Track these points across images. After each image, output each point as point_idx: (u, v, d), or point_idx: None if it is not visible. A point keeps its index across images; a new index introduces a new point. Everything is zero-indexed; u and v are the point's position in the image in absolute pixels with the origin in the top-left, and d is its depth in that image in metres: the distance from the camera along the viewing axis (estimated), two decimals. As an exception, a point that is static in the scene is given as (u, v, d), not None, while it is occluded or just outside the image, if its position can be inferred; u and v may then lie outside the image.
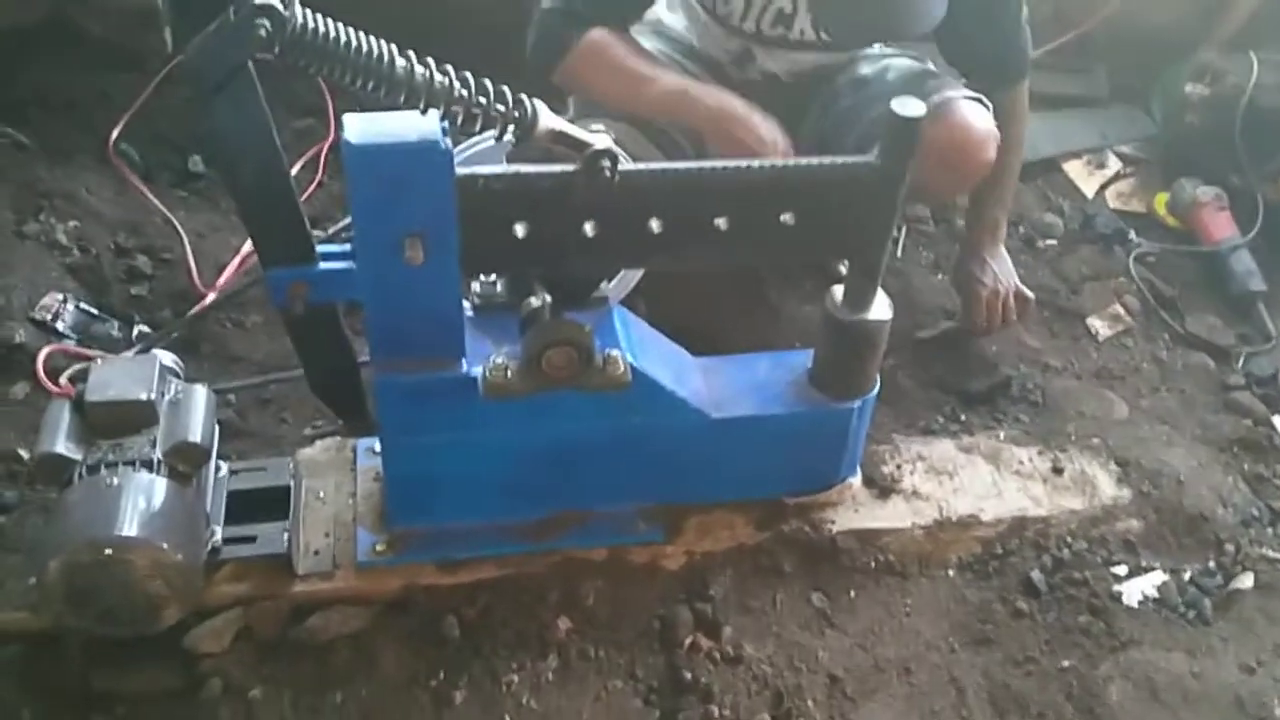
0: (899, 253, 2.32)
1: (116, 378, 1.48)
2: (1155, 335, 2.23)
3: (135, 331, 1.94)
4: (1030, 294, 2.11)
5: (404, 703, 1.52)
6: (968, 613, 1.70)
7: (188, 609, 1.46)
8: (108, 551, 1.35)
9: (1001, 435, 1.93)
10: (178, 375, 1.58)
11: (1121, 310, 2.25)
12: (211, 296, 1.98)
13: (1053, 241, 2.42)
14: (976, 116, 1.87)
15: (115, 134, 2.25)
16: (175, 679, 1.50)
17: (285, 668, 1.54)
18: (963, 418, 1.98)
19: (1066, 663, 1.64)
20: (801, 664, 1.60)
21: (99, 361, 1.53)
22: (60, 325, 1.89)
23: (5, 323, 1.84)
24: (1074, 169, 2.60)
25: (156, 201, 2.15)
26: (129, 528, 1.36)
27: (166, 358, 1.59)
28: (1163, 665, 1.64)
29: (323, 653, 1.56)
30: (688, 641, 1.61)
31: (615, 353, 1.48)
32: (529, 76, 1.88)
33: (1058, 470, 1.86)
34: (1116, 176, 2.60)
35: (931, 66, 2.01)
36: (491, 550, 1.64)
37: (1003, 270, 2.09)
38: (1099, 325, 2.22)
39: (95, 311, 1.94)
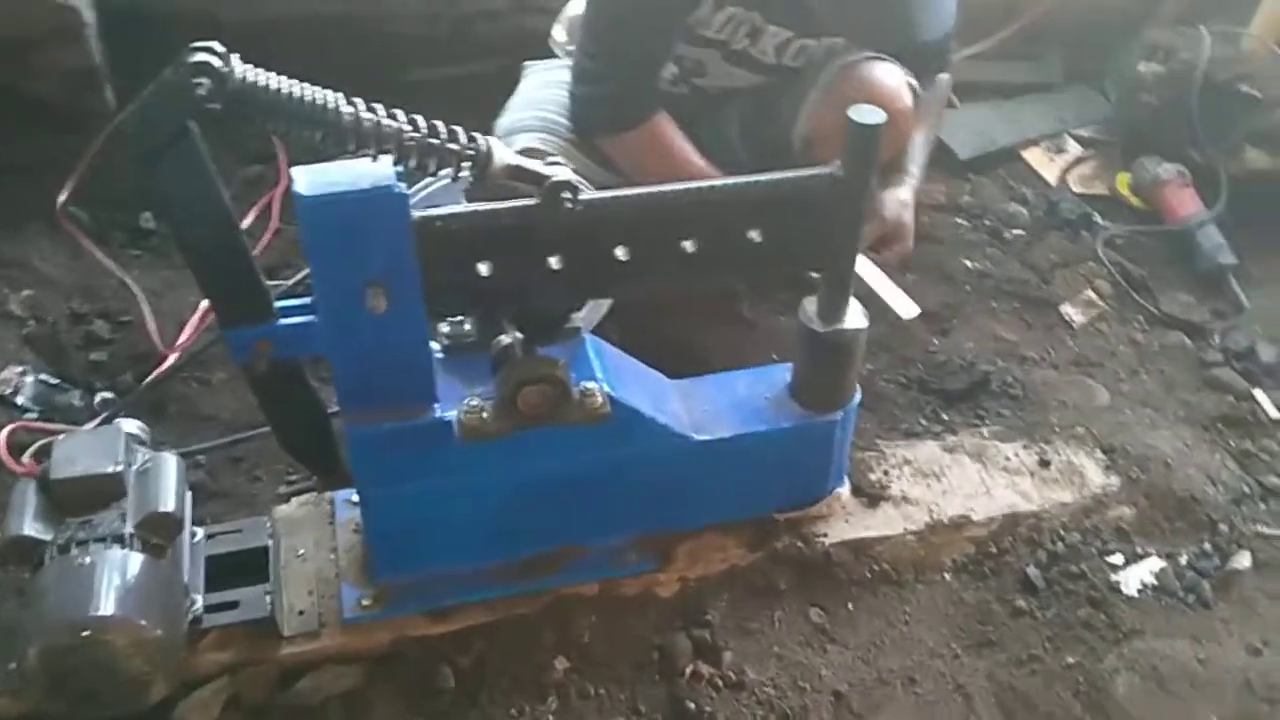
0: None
1: (81, 452, 1.43)
2: (1130, 318, 2.22)
3: (98, 399, 1.89)
4: (909, 244, 2.00)
5: (403, 759, 1.49)
6: (967, 615, 1.68)
7: (173, 684, 1.42)
8: (85, 633, 1.30)
9: (985, 432, 1.91)
10: (143, 443, 1.54)
11: (1094, 295, 2.24)
12: (174, 357, 1.93)
13: (1019, 231, 2.42)
14: (885, 71, 1.89)
15: (63, 197, 2.20)
16: (166, 755, 1.46)
17: (278, 734, 1.50)
18: (945, 417, 1.96)
19: (1071, 659, 1.62)
20: (805, 684, 1.57)
21: (62, 437, 1.49)
22: (20, 399, 1.84)
23: (-36, 401, 1.80)
24: (1034, 156, 2.60)
25: (110, 263, 2.10)
26: (105, 607, 1.31)
27: (131, 425, 1.55)
28: (1168, 654, 1.63)
29: (315, 715, 1.51)
30: (688, 670, 1.58)
31: (592, 385, 1.45)
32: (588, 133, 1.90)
33: (1045, 463, 1.85)
34: (1077, 161, 2.60)
35: None
36: (480, 595, 1.60)
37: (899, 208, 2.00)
38: (1073, 312, 2.21)
39: (55, 381, 1.89)
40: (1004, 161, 2.59)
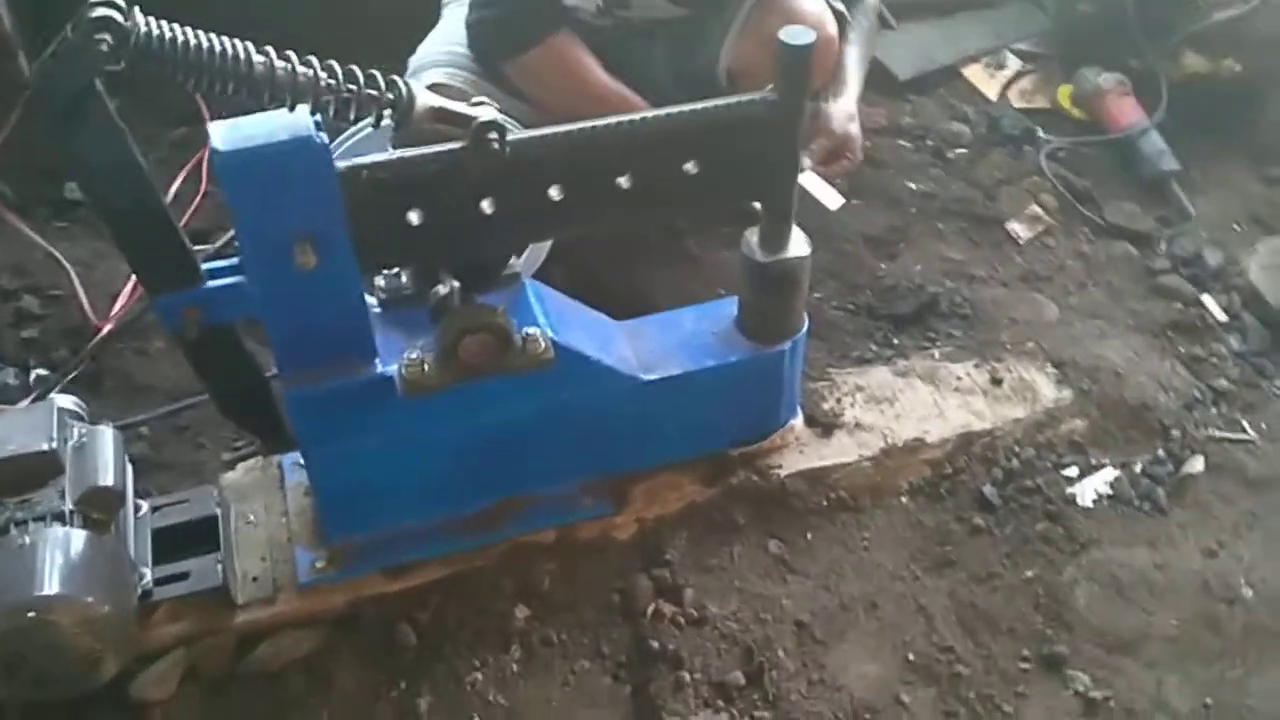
0: (811, 182, 2.28)
1: (13, 431, 1.39)
2: (1076, 231, 2.22)
3: (33, 377, 1.84)
4: (859, 156, 2.00)
5: (367, 719, 1.47)
6: (926, 537, 1.68)
7: (125, 660, 1.39)
8: (30, 615, 1.27)
9: (936, 354, 1.91)
10: (81, 417, 1.50)
11: (1039, 210, 2.23)
12: (108, 328, 1.88)
13: (962, 150, 2.40)
14: None
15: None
16: (125, 732, 1.44)
17: (238, 703, 1.48)
18: (895, 342, 1.96)
19: (1030, 573, 1.63)
20: (767, 615, 1.58)
21: (-10, 418, 1.45)
22: (-48, 381, 1.80)
23: (-108, 386, 1.74)
24: (974, 73, 2.57)
25: (36, 237, 2.04)
26: (49, 586, 1.28)
27: (66, 401, 1.51)
28: (1125, 561, 1.64)
29: (276, 682, 1.49)
30: (650, 610, 1.57)
31: (534, 331, 1.43)
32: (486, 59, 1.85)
33: (996, 381, 1.85)
34: (1017, 75, 2.58)
35: None
36: (436, 549, 1.58)
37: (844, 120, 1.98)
38: (1019, 228, 2.20)
39: (-12, 361, 1.84)
40: (944, 81, 2.57)
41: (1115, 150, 2.39)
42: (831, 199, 1.96)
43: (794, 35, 1.31)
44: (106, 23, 1.07)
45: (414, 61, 1.93)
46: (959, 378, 1.85)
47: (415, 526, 1.59)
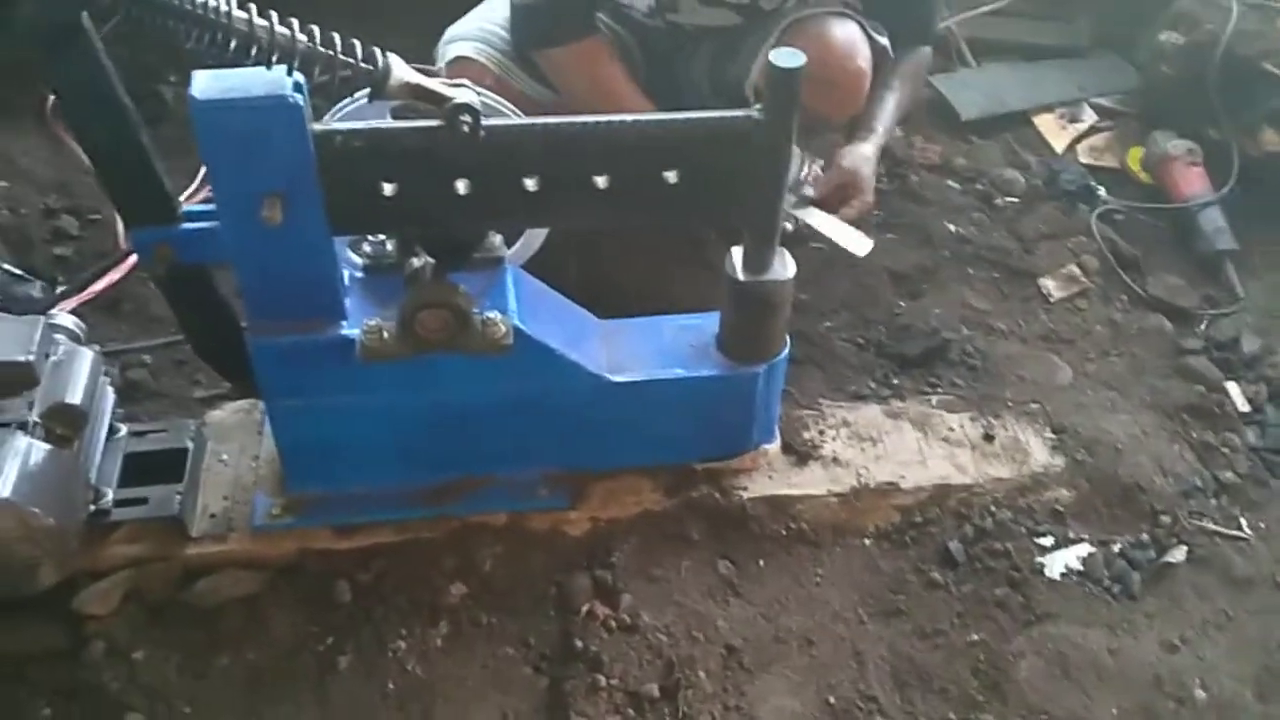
0: (850, 211, 2.25)
1: (-3, 339, 1.47)
2: (1112, 297, 2.14)
3: (58, 293, 1.93)
4: (869, 198, 1.96)
5: (289, 667, 1.50)
6: (880, 583, 1.65)
7: (65, 572, 1.45)
8: (-25, 513, 1.35)
9: (934, 400, 1.87)
10: (78, 338, 1.57)
11: (1078, 271, 2.16)
12: (133, 258, 1.96)
13: (1013, 199, 2.33)
14: (840, 28, 1.86)
15: (54, 98, 2.23)
16: (60, 640, 1.49)
17: (173, 631, 1.53)
18: (895, 382, 1.92)
19: (977, 636, 1.58)
20: (699, 633, 1.56)
21: (-17, 324, 1.52)
22: (-17, 286, 1.89)
23: (-75, 285, 1.84)
24: (1045, 123, 2.50)
25: (93, 169, 2.12)
26: (-1, 490, 1.35)
27: (67, 320, 1.58)
28: (1079, 641, 1.58)
29: (212, 616, 1.54)
30: (584, 609, 1.57)
31: (495, 315, 1.44)
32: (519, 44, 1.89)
33: (989, 437, 1.80)
34: (1091, 130, 2.50)
35: None
36: (387, 515, 1.61)
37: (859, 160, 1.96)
38: (1052, 286, 2.13)
39: (18, 272, 1.93)
40: (1012, 126, 2.50)
41: (1173, 220, 2.30)
42: (859, 244, 1.92)
43: (784, 58, 1.30)
44: (92, -38, 1.12)
45: (450, 31, 1.96)
46: (951, 428, 1.81)
47: (372, 490, 1.62)
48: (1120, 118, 2.54)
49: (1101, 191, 2.34)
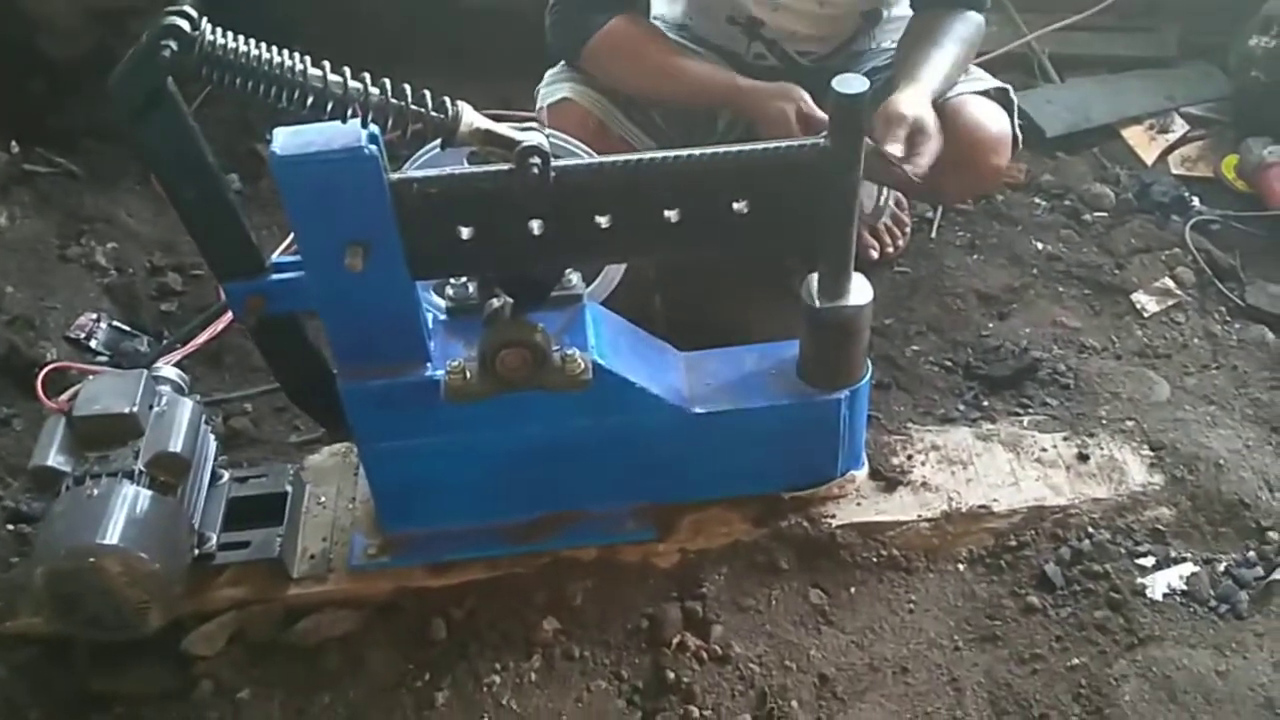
0: (933, 233, 2.23)
1: (104, 392, 1.54)
2: (1210, 309, 2.08)
3: (163, 345, 2.01)
4: (938, 141, 1.70)
5: (388, 704, 1.54)
6: (975, 609, 1.62)
7: (172, 614, 1.51)
8: (90, 560, 1.41)
9: (1025, 421, 1.83)
10: (180, 389, 1.64)
11: (1172, 284, 2.10)
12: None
13: (1101, 214, 2.28)
14: (990, 117, 1.82)
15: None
16: (170, 681, 1.56)
17: (276, 669, 1.58)
18: (985, 404, 1.89)
19: (1076, 660, 1.54)
20: (791, 663, 1.56)
21: (91, 377, 1.60)
22: (93, 343, 1.99)
23: (40, 342, 1.95)
24: (1134, 135, 2.45)
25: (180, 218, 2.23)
26: (109, 537, 1.41)
27: (170, 372, 1.66)
28: (1185, 664, 1.53)
29: (313, 655, 1.59)
30: (675, 641, 1.58)
31: (574, 351, 1.47)
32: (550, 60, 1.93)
33: (1083, 457, 1.76)
34: (1182, 140, 2.44)
35: None
36: (480, 552, 1.65)
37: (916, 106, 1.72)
38: (1146, 300, 2.08)
39: (127, 328, 2.03)
40: (1099, 140, 2.45)
41: (1272, 228, 2.22)
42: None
43: (846, 84, 1.31)
44: (174, 30, 1.18)
45: (550, 74, 1.97)
46: (1044, 449, 1.77)
47: (464, 528, 1.65)
48: (1213, 126, 2.48)
49: (1195, 202, 2.27)
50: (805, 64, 1.97)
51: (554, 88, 1.94)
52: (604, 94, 1.91)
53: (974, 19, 1.87)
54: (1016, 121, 1.91)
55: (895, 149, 1.65)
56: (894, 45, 1.99)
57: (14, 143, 2.37)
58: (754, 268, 2.12)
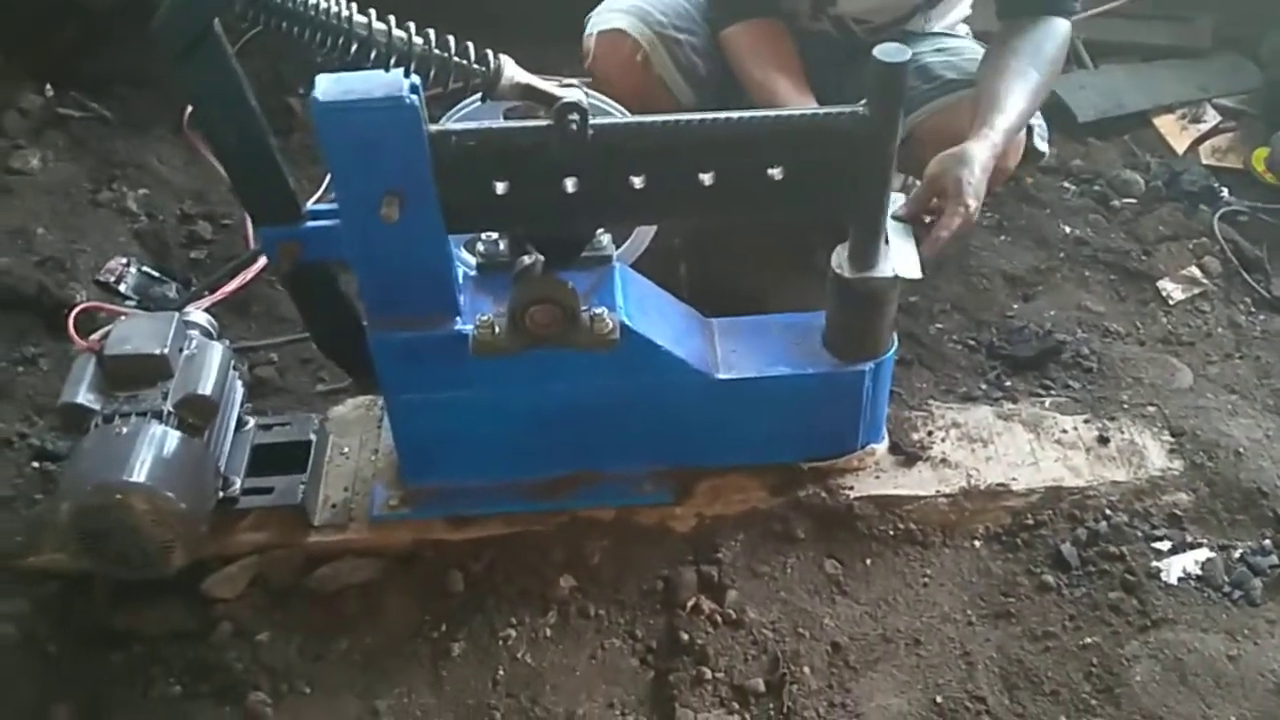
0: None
1: (135, 333, 1.56)
2: (1235, 299, 2.08)
3: (191, 292, 2.03)
4: (969, 208, 1.55)
5: (404, 652, 1.56)
6: (990, 585, 1.63)
7: (195, 555, 1.53)
8: (117, 496, 1.42)
9: (1047, 403, 1.84)
10: (210, 334, 1.65)
11: (1199, 273, 2.10)
12: (262, 261, 2.05)
13: (1130, 200, 2.28)
14: None
15: (190, 108, 2.35)
16: (190, 621, 1.57)
17: (294, 614, 1.60)
18: (1007, 384, 1.89)
19: (1089, 640, 1.55)
20: (805, 630, 1.57)
21: (123, 318, 1.61)
22: (122, 287, 2.00)
23: (70, 284, 1.96)
24: (1165, 124, 2.44)
25: (223, 171, 2.23)
26: (135, 474, 1.43)
27: (200, 317, 1.67)
28: (1196, 647, 1.54)
29: (332, 601, 1.61)
30: (690, 603, 1.59)
31: (603, 311, 1.47)
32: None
33: (1104, 439, 1.76)
34: (1214, 130, 2.43)
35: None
36: (500, 508, 1.66)
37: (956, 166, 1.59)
38: (1171, 288, 2.08)
39: (156, 274, 2.04)
40: (1130, 127, 2.45)
41: (1300, 222, 2.23)
42: (908, 268, 1.50)
43: (888, 52, 1.31)
44: (223, -29, 1.19)
45: (607, 2, 1.96)
46: (1064, 430, 1.78)
47: (485, 483, 1.67)
48: (1244, 118, 2.47)
49: (1225, 192, 2.27)
50: (859, 33, 1.97)
51: (609, 15, 1.93)
52: (657, 34, 1.91)
53: (1060, 31, 1.78)
54: (1038, 134, 1.90)
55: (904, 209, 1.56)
56: (943, 31, 1.98)
57: (48, 87, 2.38)
58: (779, 241, 2.12)
